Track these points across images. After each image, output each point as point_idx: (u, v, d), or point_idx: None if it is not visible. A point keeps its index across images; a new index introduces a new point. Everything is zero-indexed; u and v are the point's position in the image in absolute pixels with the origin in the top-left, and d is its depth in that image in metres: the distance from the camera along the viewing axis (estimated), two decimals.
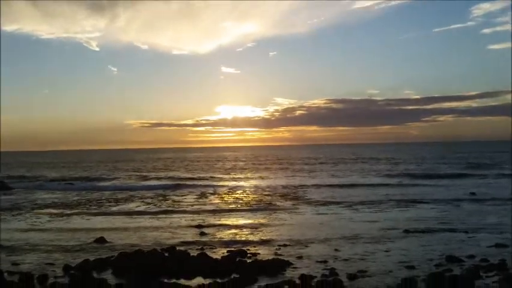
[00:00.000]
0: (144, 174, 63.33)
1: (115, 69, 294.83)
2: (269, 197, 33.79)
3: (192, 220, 23.40)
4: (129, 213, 26.36)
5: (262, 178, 53.17)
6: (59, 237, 18.91)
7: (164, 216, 25.30)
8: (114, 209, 28.65)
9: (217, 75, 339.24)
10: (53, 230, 20.88)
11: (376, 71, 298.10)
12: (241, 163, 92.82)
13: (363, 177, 49.97)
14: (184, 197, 35.29)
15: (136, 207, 29.40)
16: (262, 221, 22.99)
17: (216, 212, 26.51)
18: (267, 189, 39.81)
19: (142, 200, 32.99)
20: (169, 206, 29.43)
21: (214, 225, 21.66)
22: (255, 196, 34.88)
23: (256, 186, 42.72)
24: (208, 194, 36.72)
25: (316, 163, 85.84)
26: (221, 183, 47.00)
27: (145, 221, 23.35)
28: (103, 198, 35.15)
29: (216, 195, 35.67)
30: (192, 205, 29.87)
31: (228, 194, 36.59)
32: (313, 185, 42.69)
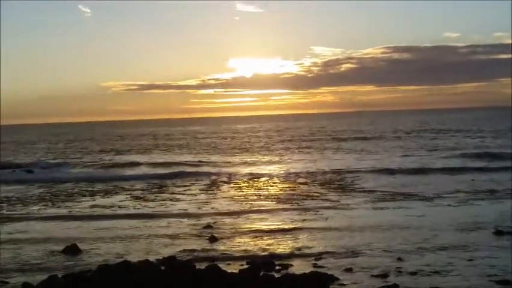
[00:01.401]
0: (130, 156, 65.42)
1: (88, 11, 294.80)
2: (305, 187, 34.80)
3: (198, 220, 24.21)
4: (111, 212, 27.54)
5: (295, 160, 54.64)
6: (15, 248, 19.64)
7: (159, 213, 26.37)
8: (90, 205, 29.77)
9: (230, 15, 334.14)
10: (6, 238, 21.70)
11: (455, 7, 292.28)
12: (265, 139, 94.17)
13: (437, 158, 51.21)
14: (188, 187, 36.44)
15: (121, 202, 30.62)
16: (295, 220, 23.83)
17: (231, 209, 27.31)
18: (302, 176, 41.13)
19: (129, 193, 34.27)
20: (166, 201, 30.47)
21: (228, 228, 22.40)
22: (284, 186, 36.07)
23: (286, 172, 44.13)
24: (220, 184, 37.87)
25: (371, 137, 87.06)
26: (238, 168, 48.55)
27: (134, 222, 24.20)
28: (75, 191, 36.48)
29: (231, 185, 36.86)
30: (198, 200, 30.85)
31: (248, 184, 37.81)
32: (367, 169, 44.05)
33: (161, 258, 16.80)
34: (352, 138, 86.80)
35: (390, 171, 42.12)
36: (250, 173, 43.88)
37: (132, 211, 27.74)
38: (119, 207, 29.20)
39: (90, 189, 37.12)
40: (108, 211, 28.00)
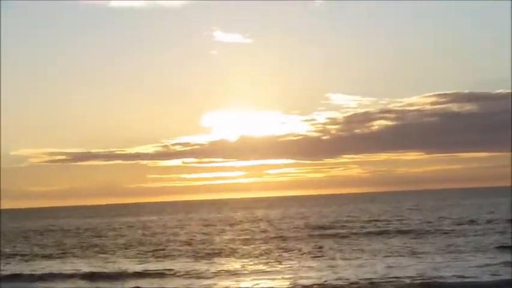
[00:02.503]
0: (50, 264, 52.42)
1: None
2: None
3: None
4: None
5: (304, 266, 44.33)
6: None
7: None
8: None
9: (205, 47, 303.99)
10: None
11: None
12: (259, 234, 78.02)
13: None
14: None
15: None
16: None
17: None
18: None
19: None
20: None
21: None
22: None
23: (292, 285, 35.94)
24: None
25: (419, 230, 70.65)
26: (215, 280, 39.57)
27: None
28: None
29: None
30: None
31: None
32: (412, 281, 35.28)
33: None
34: (388, 231, 70.51)
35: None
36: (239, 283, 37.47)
37: None
38: None
39: None
40: None
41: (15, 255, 62.96)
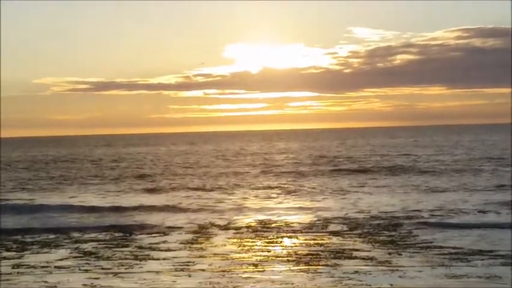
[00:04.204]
0: (74, 193, 53.46)
1: None
2: (338, 240, 28.58)
3: None
4: (42, 272, 22.04)
5: (325, 199, 45.55)
6: None
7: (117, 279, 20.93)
8: (13, 264, 23.62)
9: None
10: None
11: None
12: (280, 168, 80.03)
13: None
14: (162, 240, 29.75)
15: (61, 260, 24.39)
16: None
17: (226, 273, 21.52)
18: (336, 223, 33.97)
19: (75, 247, 27.63)
20: (129, 260, 24.28)
21: None
22: (308, 238, 29.55)
23: (312, 217, 36.34)
24: (210, 235, 31.19)
25: (439, 169, 72.23)
26: (239, 211, 40.27)
27: None
28: None
29: (228, 238, 30.47)
30: (177, 258, 24.45)
31: (254, 235, 31.12)
32: (431, 213, 36.73)
33: None
34: (411, 168, 71.49)
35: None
36: (258, 219, 36.55)
37: (75, 276, 21.89)
38: (57, 268, 23.12)
39: (20, 239, 30.64)
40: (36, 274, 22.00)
41: (73, 182, 63.31)
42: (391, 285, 19.36)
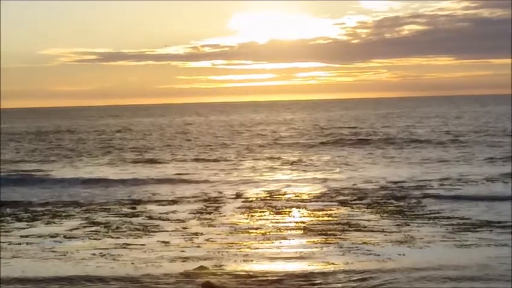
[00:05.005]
0: (86, 164, 53.45)
1: None
2: (346, 211, 28.54)
3: (185, 261, 19.27)
4: (52, 243, 22.29)
5: (333, 169, 45.79)
6: None
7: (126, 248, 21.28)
8: (22, 235, 24.09)
9: None
10: None
11: None
12: (288, 139, 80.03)
13: None
14: (172, 209, 29.84)
15: (70, 231, 24.52)
16: (332, 264, 18.87)
17: (235, 243, 21.95)
18: (344, 193, 33.85)
19: (85, 217, 27.99)
20: (139, 230, 24.53)
21: (231, 272, 17.99)
22: (317, 208, 29.27)
23: (321, 187, 36.57)
24: (220, 205, 31.13)
25: (453, 136, 72.98)
26: (247, 181, 40.10)
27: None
28: (6, 211, 30.12)
29: (238, 207, 30.40)
30: (187, 228, 24.91)
31: (263, 205, 30.97)
32: (439, 183, 36.50)
33: None
34: (419, 140, 70.39)
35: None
36: (266, 189, 36.58)
37: (84, 246, 22.17)
38: (67, 238, 23.53)
39: (30, 208, 30.64)
40: (45, 243, 22.35)
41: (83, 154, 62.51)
42: (400, 255, 19.56)
